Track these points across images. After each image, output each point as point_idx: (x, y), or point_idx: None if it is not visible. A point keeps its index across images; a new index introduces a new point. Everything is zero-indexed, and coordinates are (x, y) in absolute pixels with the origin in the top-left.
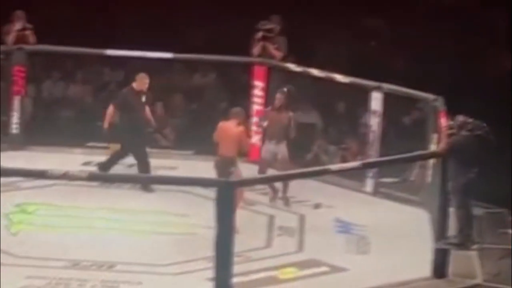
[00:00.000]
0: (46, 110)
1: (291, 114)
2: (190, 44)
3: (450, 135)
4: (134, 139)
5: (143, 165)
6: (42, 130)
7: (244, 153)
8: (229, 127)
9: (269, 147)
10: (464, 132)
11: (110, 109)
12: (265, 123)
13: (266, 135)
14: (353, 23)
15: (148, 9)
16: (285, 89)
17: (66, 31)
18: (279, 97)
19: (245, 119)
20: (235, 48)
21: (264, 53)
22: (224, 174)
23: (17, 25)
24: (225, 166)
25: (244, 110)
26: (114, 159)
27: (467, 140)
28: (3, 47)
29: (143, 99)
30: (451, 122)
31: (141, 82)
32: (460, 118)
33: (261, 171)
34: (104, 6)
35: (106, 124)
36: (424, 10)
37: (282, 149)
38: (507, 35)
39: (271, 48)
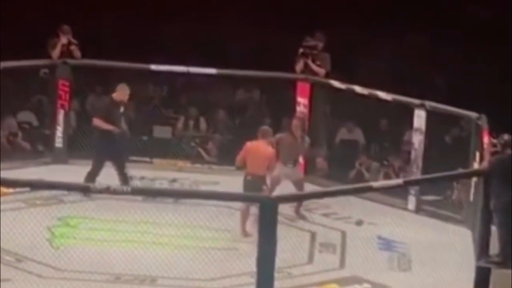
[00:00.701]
0: (90, 124)
1: (306, 138)
2: (234, 60)
3: (493, 153)
4: (111, 149)
5: (122, 175)
6: (85, 144)
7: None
8: (260, 146)
9: (285, 171)
10: (508, 151)
11: (99, 122)
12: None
13: (281, 158)
14: (397, 39)
15: (192, 24)
16: (300, 115)
17: (111, 46)
18: (295, 123)
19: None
20: (280, 64)
21: (306, 69)
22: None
23: (63, 39)
24: (255, 185)
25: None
26: (94, 171)
27: (509, 159)
28: (48, 61)
29: (121, 109)
30: (495, 141)
31: (122, 92)
32: (505, 137)
33: (270, 191)
34: (149, 21)
35: (115, 130)
36: (468, 27)
37: (297, 172)
38: None
39: (313, 65)
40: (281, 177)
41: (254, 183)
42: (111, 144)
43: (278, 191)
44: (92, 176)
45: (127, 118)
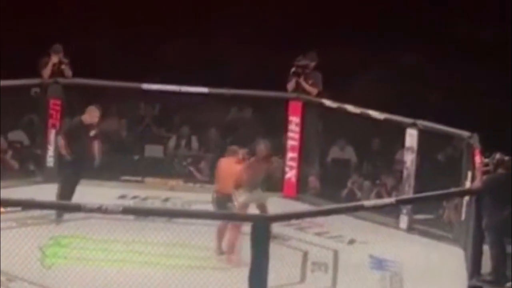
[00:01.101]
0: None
1: (278, 160)
2: (226, 79)
3: (485, 173)
4: (74, 171)
5: (64, 195)
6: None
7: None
8: (228, 164)
9: (254, 196)
10: (500, 170)
11: (60, 140)
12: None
13: (249, 184)
14: (389, 58)
15: (186, 44)
16: (265, 141)
17: (102, 65)
18: (261, 148)
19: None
20: (273, 83)
21: (298, 88)
22: (222, 210)
23: (54, 59)
24: (222, 202)
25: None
26: (64, 193)
27: (503, 178)
28: (39, 80)
29: (92, 133)
30: (487, 160)
31: (91, 115)
32: (497, 156)
33: None
34: (141, 41)
35: (66, 152)
36: (461, 46)
37: (262, 195)
38: None
39: (305, 84)
40: (249, 202)
41: (220, 201)
42: (73, 165)
43: None
44: (64, 198)
45: (101, 142)
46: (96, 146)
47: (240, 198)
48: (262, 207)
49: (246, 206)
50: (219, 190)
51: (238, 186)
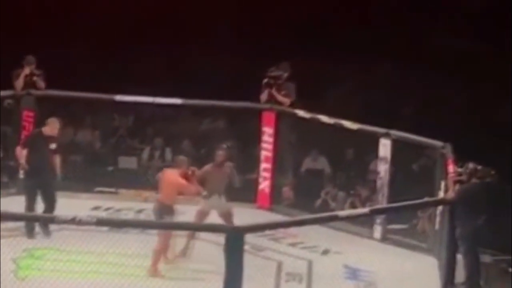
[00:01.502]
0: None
1: (230, 165)
2: (200, 90)
3: (459, 182)
4: (36, 182)
5: (48, 209)
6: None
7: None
8: (171, 175)
9: (212, 203)
10: (474, 180)
11: (19, 150)
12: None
13: (207, 190)
14: (363, 69)
15: (158, 55)
16: (224, 146)
17: (76, 77)
18: (220, 154)
19: (189, 168)
20: (246, 94)
21: (271, 99)
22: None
23: (26, 70)
24: (162, 213)
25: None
26: (28, 205)
27: (477, 187)
28: (12, 92)
29: (53, 146)
30: (460, 169)
31: (51, 127)
32: (471, 165)
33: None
34: (115, 53)
35: (23, 163)
36: (434, 57)
37: (224, 203)
38: None
39: (278, 95)
40: (207, 210)
41: (159, 211)
42: (32, 176)
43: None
44: (29, 211)
45: (61, 155)
46: (57, 160)
47: (199, 206)
48: (226, 215)
49: (204, 214)
50: (159, 200)
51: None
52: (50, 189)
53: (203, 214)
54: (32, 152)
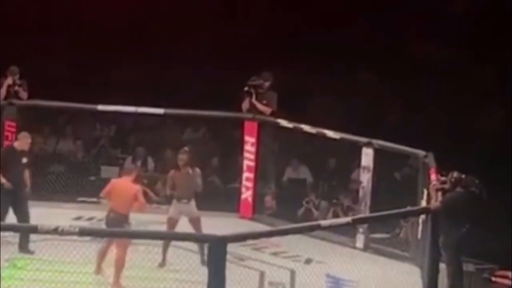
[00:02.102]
0: (36, 165)
1: (196, 170)
2: (183, 99)
3: (442, 190)
4: (9, 198)
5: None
6: (32, 185)
7: (139, 210)
8: (124, 184)
9: (180, 208)
10: (458, 189)
11: None
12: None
13: (175, 196)
14: (345, 78)
15: (140, 65)
16: (186, 148)
17: (59, 87)
18: (181, 158)
19: (139, 177)
20: (228, 103)
21: (252, 108)
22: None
23: (8, 80)
24: (117, 223)
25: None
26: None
27: (461, 196)
28: None
29: (24, 160)
30: (444, 178)
31: (23, 141)
32: (455, 174)
33: (169, 230)
34: (97, 63)
35: (6, 183)
36: (416, 65)
37: (192, 208)
38: (498, 91)
39: (258, 104)
40: (176, 215)
41: (116, 221)
42: (8, 192)
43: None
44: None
45: (31, 169)
46: (27, 174)
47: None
48: (195, 221)
49: (174, 220)
50: (115, 210)
51: (140, 206)
52: (24, 204)
53: (173, 220)
54: (6, 168)
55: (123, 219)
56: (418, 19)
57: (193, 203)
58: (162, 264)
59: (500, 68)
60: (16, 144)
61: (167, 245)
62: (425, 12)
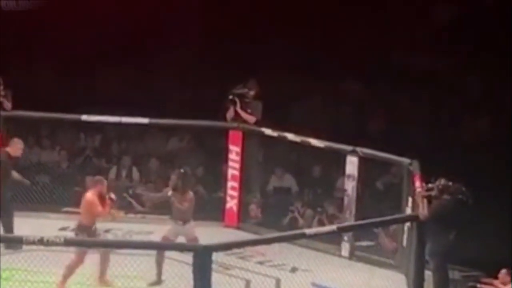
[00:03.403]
0: (21, 175)
1: (191, 194)
2: (168, 109)
3: (428, 197)
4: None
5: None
6: (17, 195)
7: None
8: (87, 195)
9: (176, 229)
10: (445, 196)
11: None
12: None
13: (172, 216)
14: (329, 86)
15: (124, 74)
16: (181, 170)
17: (42, 97)
18: (173, 178)
19: (104, 188)
20: (213, 112)
21: (237, 117)
22: None
23: None
24: (80, 232)
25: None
26: None
27: (449, 204)
28: None
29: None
30: (431, 185)
31: (15, 147)
32: (442, 181)
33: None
34: (81, 73)
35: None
36: (400, 74)
37: (189, 230)
38: (481, 99)
39: (242, 112)
40: (172, 236)
41: (79, 231)
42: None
43: None
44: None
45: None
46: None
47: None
48: (192, 242)
49: (167, 239)
50: (79, 221)
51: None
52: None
53: (167, 240)
54: (4, 175)
55: (85, 230)
56: (402, 28)
57: (189, 225)
58: (158, 281)
59: (484, 76)
60: (9, 150)
61: (161, 262)
62: (408, 20)
